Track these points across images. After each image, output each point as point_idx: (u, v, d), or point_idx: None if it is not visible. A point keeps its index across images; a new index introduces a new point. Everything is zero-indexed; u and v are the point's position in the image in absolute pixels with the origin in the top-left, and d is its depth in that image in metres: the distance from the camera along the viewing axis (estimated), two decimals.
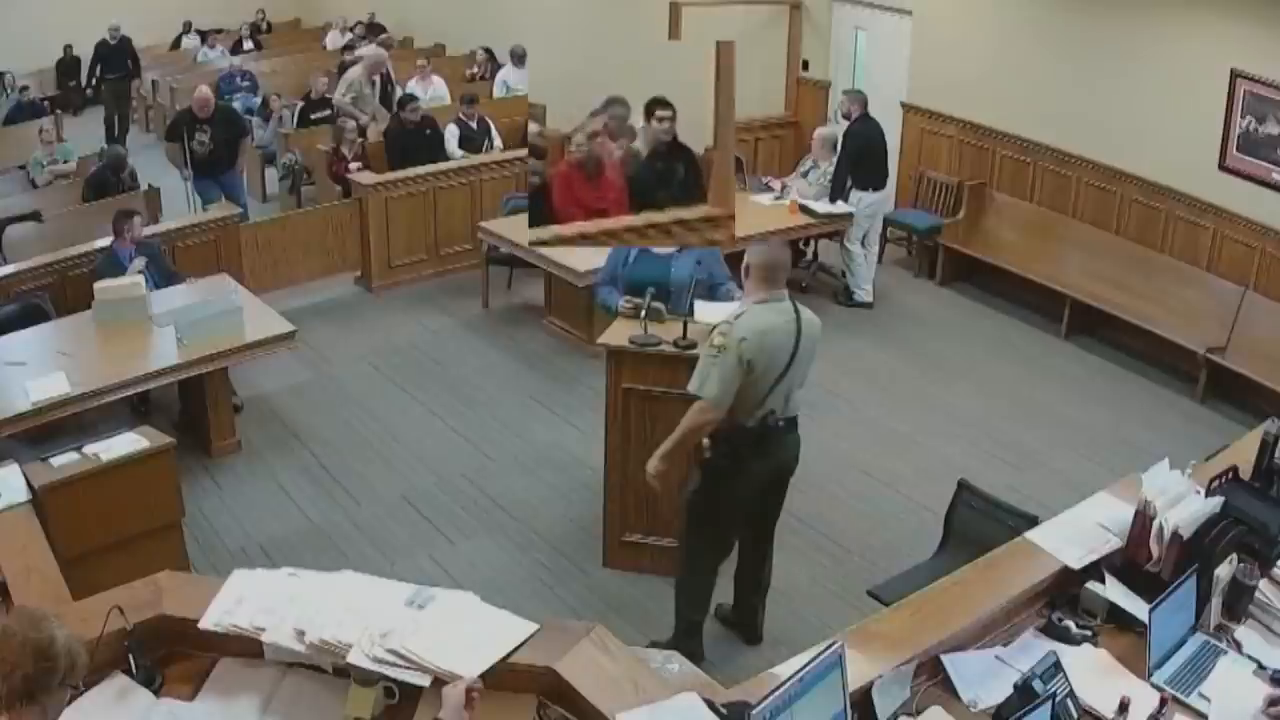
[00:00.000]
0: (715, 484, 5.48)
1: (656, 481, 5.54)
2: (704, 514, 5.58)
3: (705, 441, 5.40)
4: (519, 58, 14.73)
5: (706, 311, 6.25)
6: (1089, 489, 4.94)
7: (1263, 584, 4.21)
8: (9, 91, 17.33)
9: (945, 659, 3.81)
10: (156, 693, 3.52)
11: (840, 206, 10.20)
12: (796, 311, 5.34)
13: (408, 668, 3.37)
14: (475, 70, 16.15)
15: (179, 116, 11.32)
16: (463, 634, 3.49)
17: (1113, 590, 4.16)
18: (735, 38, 12.89)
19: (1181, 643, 4.01)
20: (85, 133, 15.85)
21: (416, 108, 12.03)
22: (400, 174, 10.88)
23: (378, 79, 13.20)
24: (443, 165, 11.32)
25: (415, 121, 11.82)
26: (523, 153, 11.62)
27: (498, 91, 14.76)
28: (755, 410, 5.31)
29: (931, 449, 8.08)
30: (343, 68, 16.29)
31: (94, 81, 18.04)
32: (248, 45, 19.63)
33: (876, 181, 10.37)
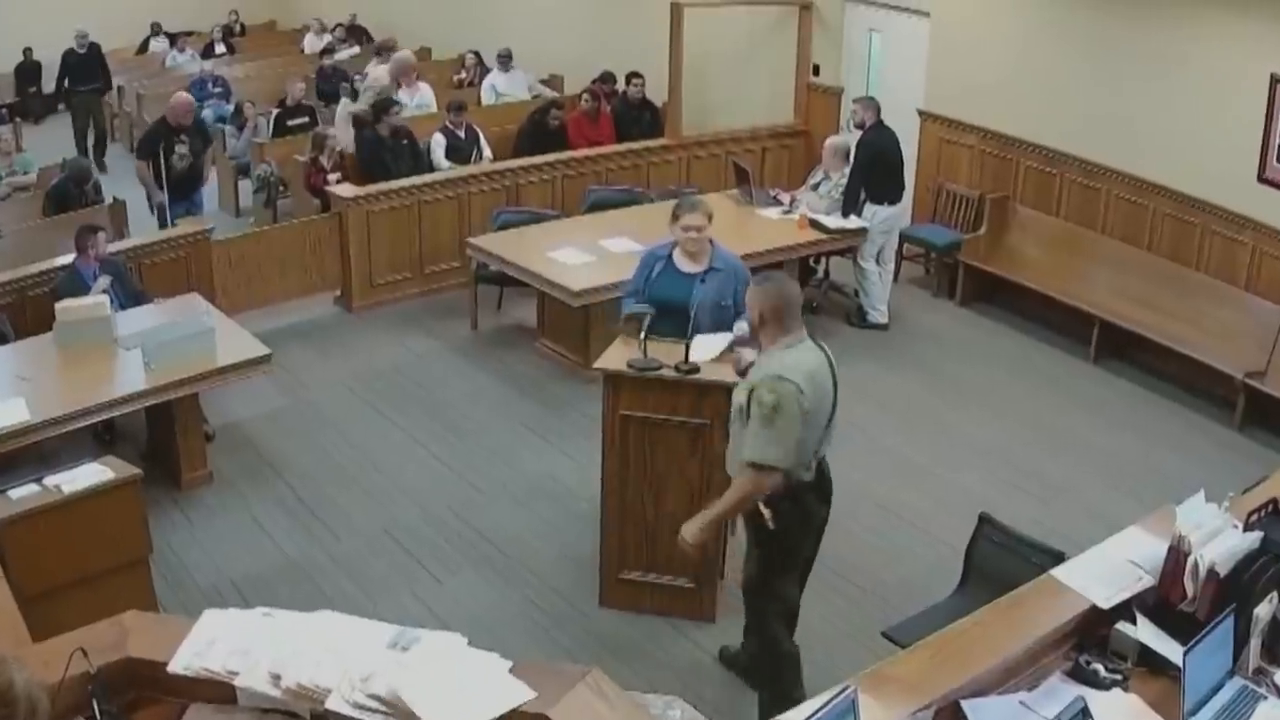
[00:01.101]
0: (784, 549, 5.38)
1: (694, 551, 5.46)
2: (774, 585, 5.48)
3: (766, 512, 5.25)
4: (505, 60, 14.77)
5: (704, 346, 6.25)
6: (1119, 522, 4.95)
7: None
8: None
9: (966, 705, 3.81)
10: None
11: (853, 221, 10.24)
12: (820, 345, 5.31)
13: (390, 714, 3.38)
14: (464, 75, 16.19)
15: (154, 130, 11.12)
16: (450, 680, 3.50)
17: (1144, 631, 4.17)
18: (741, 40, 13.18)
19: (1218, 687, 4.01)
20: (46, 142, 15.85)
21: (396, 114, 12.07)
22: (383, 186, 10.91)
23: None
24: (428, 177, 11.35)
25: (392, 130, 11.80)
26: (513, 164, 11.75)
27: (486, 98, 14.81)
28: (812, 460, 5.26)
29: (950, 480, 8.10)
30: (321, 72, 16.41)
31: (62, 94, 17.73)
32: (220, 48, 19.68)
33: (892, 194, 10.40)
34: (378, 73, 13.86)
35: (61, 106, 18.13)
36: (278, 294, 10.49)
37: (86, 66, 16.67)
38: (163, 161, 10.77)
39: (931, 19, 11.66)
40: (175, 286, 9.20)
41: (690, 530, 5.38)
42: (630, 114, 13.21)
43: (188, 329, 7.74)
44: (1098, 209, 10.48)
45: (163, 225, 10.76)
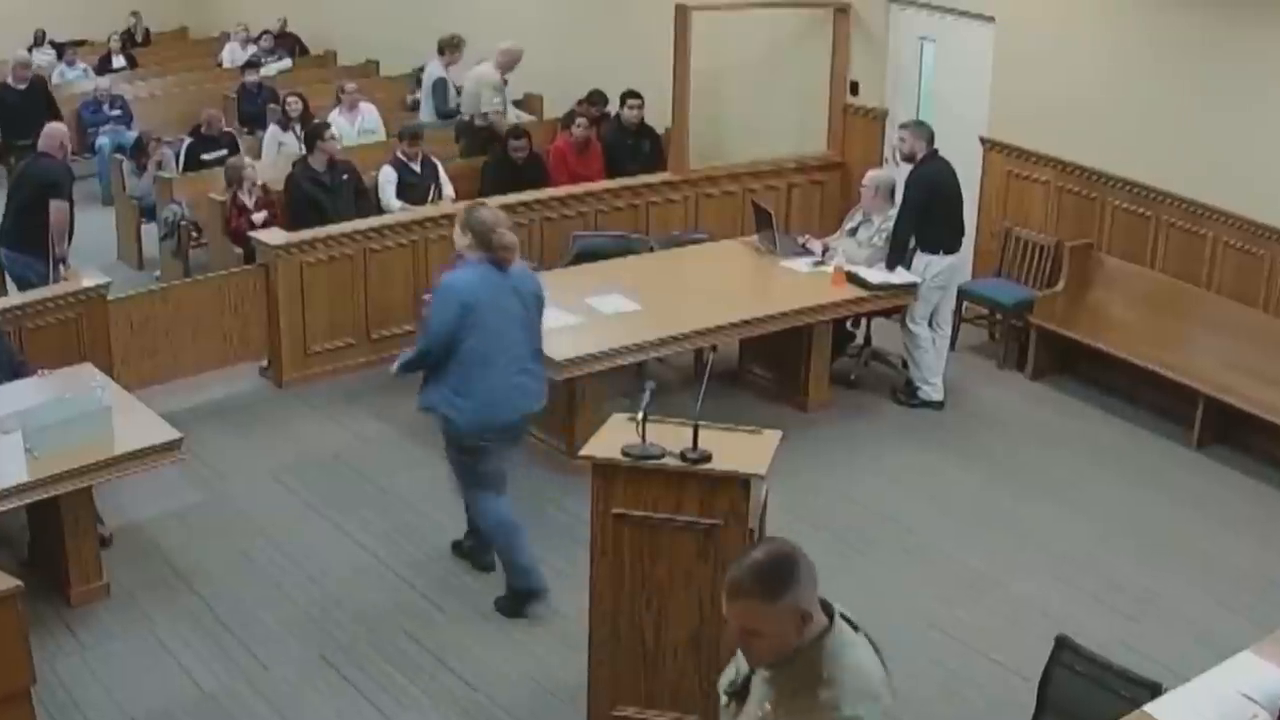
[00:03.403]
0: None
1: None
2: None
3: None
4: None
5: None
6: (1227, 646, 5.04)
7: None
8: None
9: None
10: None
11: (901, 275, 10.33)
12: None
13: None
14: (419, 95, 16.24)
15: (64, 168, 10.94)
16: None
17: None
18: (762, 51, 13.35)
19: None
20: None
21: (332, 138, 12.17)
22: (320, 232, 11.00)
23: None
24: (376, 220, 11.45)
25: (327, 162, 11.93)
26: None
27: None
28: None
29: (1019, 593, 8.15)
30: (243, 90, 16.53)
31: None
32: (118, 61, 19.70)
33: (948, 242, 10.48)
34: (480, 71, 14.01)
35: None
36: (190, 365, 10.53)
37: (29, 110, 14.80)
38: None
39: (997, 25, 11.67)
40: (64, 355, 9.18)
41: None
42: (625, 143, 13.32)
43: (79, 408, 7.76)
44: (1202, 259, 10.48)
45: (24, 286, 10.63)
